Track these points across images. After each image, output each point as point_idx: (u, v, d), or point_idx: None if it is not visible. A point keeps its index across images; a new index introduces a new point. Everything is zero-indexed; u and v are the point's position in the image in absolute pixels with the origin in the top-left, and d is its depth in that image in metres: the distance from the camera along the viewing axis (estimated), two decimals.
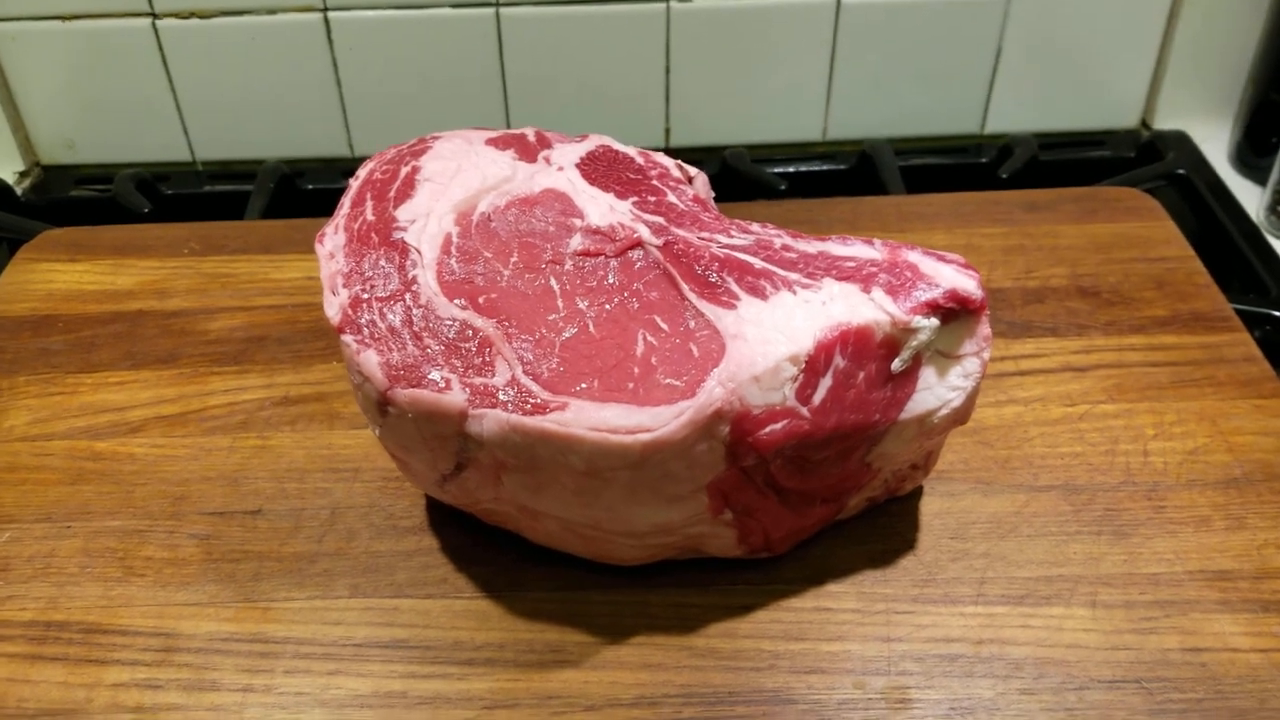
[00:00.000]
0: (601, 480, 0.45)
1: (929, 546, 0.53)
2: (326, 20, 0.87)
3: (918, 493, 0.55)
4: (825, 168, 0.88)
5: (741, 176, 0.85)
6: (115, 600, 0.52)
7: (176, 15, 0.86)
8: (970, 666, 0.48)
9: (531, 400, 0.44)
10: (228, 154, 0.93)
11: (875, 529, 0.54)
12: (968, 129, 0.93)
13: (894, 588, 0.51)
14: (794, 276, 0.47)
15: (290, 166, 0.89)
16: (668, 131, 0.92)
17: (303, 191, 0.88)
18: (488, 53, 0.88)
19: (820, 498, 0.50)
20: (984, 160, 0.88)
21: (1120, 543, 0.53)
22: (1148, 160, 0.87)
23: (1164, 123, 0.91)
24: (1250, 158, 0.88)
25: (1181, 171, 0.83)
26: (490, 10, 0.86)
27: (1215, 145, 0.89)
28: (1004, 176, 0.84)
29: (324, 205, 0.78)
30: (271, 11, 0.87)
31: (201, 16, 0.87)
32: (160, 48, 0.87)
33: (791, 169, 0.87)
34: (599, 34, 0.87)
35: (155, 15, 0.86)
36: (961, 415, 0.49)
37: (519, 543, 0.53)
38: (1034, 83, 0.91)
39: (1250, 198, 0.83)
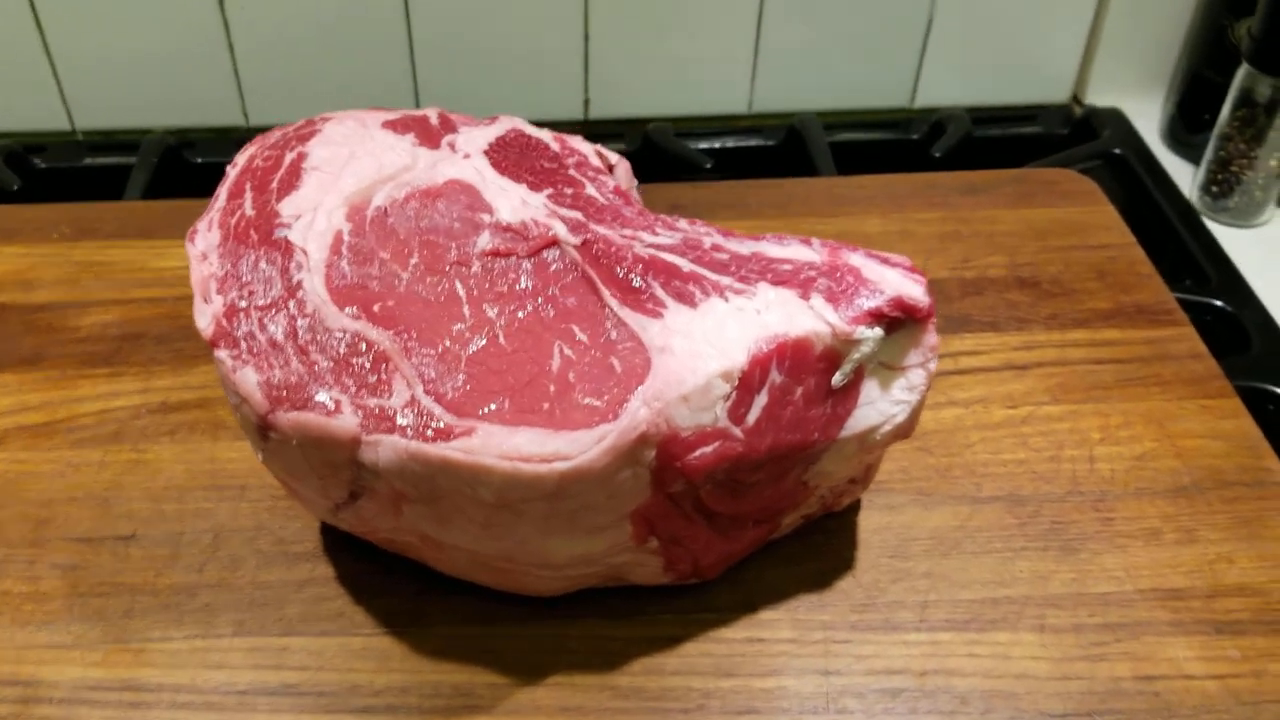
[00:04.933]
0: (514, 513, 0.40)
1: (868, 566, 0.49)
2: None
3: (855, 506, 0.51)
4: (752, 143, 0.83)
5: (664, 153, 0.81)
6: None
7: None
8: (914, 702, 0.45)
9: (433, 425, 0.39)
10: (111, 122, 0.86)
11: (811, 548, 0.50)
12: (898, 102, 0.89)
13: (831, 613, 0.48)
14: (725, 281, 0.42)
15: (179, 137, 0.83)
16: (587, 103, 0.87)
17: (191, 165, 0.81)
18: (394, 15, 0.82)
19: (753, 519, 0.46)
20: (915, 137, 0.84)
21: (1068, 559, 0.50)
22: (1082, 138, 0.84)
23: (1096, 98, 0.88)
24: (1183, 134, 0.85)
25: (1117, 151, 0.80)
26: None
27: (1147, 121, 0.86)
28: (937, 155, 0.80)
29: (213, 182, 0.72)
30: None
31: None
32: (33, 5, 0.80)
33: (717, 144, 0.83)
34: None
35: None
36: (904, 430, 0.45)
37: (424, 571, 0.48)
38: (965, 55, 0.87)
39: (1182, 175, 0.81)
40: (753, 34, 0.85)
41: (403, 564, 0.48)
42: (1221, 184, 0.79)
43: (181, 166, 0.81)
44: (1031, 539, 0.50)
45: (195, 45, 0.82)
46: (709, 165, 0.79)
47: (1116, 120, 0.83)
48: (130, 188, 0.75)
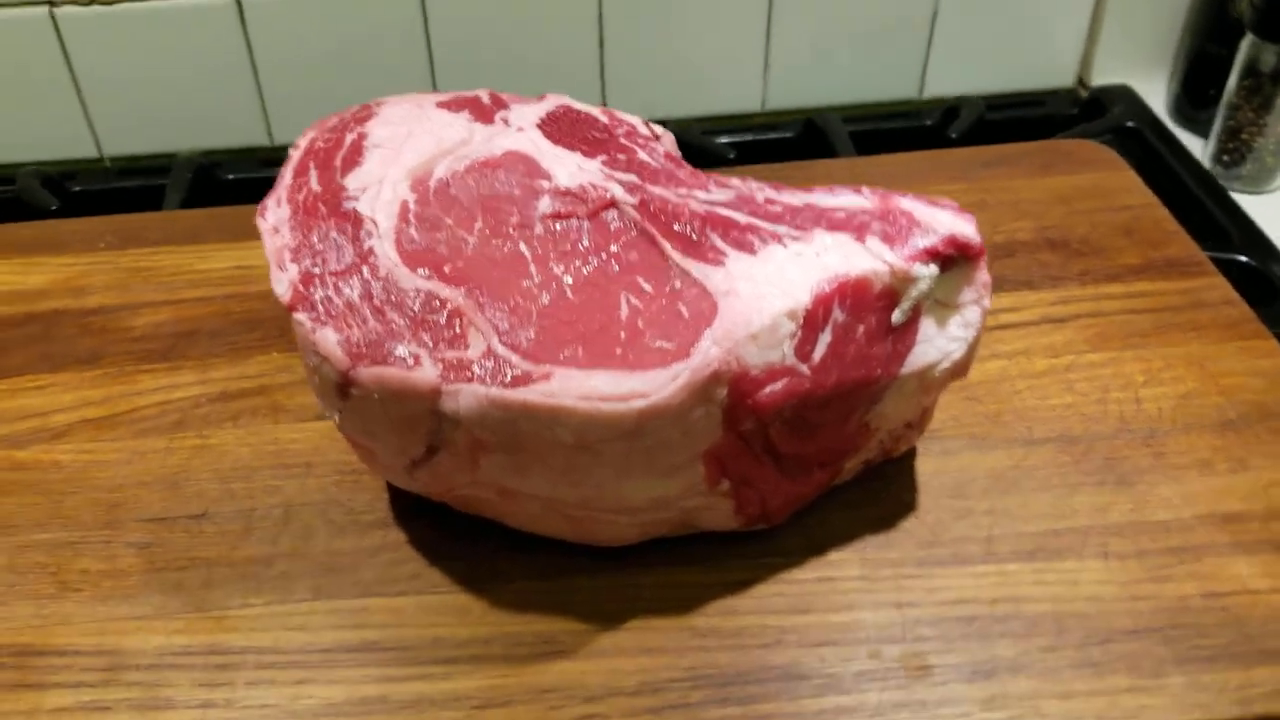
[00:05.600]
0: (592, 454, 0.41)
1: (930, 507, 0.50)
2: (239, 2, 0.82)
3: (911, 453, 0.52)
4: (771, 136, 0.85)
5: (688, 147, 0.82)
6: (50, 619, 0.47)
7: (76, 3, 0.81)
8: (987, 627, 0.46)
9: (511, 371, 0.40)
10: (137, 148, 0.87)
11: (872, 493, 0.51)
12: (906, 94, 0.91)
13: (899, 551, 0.49)
14: (782, 230, 0.44)
15: (206, 158, 0.84)
16: (604, 105, 0.88)
17: (223, 182, 0.82)
18: (412, 26, 0.83)
19: (818, 462, 0.47)
20: (929, 123, 0.86)
21: (1124, 491, 0.51)
22: (1092, 116, 0.85)
23: (1101, 80, 0.90)
24: (1189, 110, 0.87)
25: (1130, 124, 0.81)
26: None
27: (1154, 100, 0.88)
28: (953, 136, 0.82)
29: (247, 194, 0.73)
30: None
31: (103, 3, 0.81)
32: (60, 37, 0.81)
33: (737, 139, 0.84)
34: (530, 5, 0.83)
35: (53, 3, 0.80)
36: (962, 368, 0.47)
37: (496, 531, 0.49)
38: (971, 45, 0.89)
39: (1193, 149, 0.82)
40: (763, 33, 0.86)
41: (475, 525, 0.49)
42: (1233, 152, 0.81)
43: (212, 184, 0.82)
44: (1087, 474, 0.51)
45: (219, 68, 0.84)
46: (732, 156, 0.81)
47: (1126, 96, 0.85)
48: (167, 203, 0.77)
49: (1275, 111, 0.78)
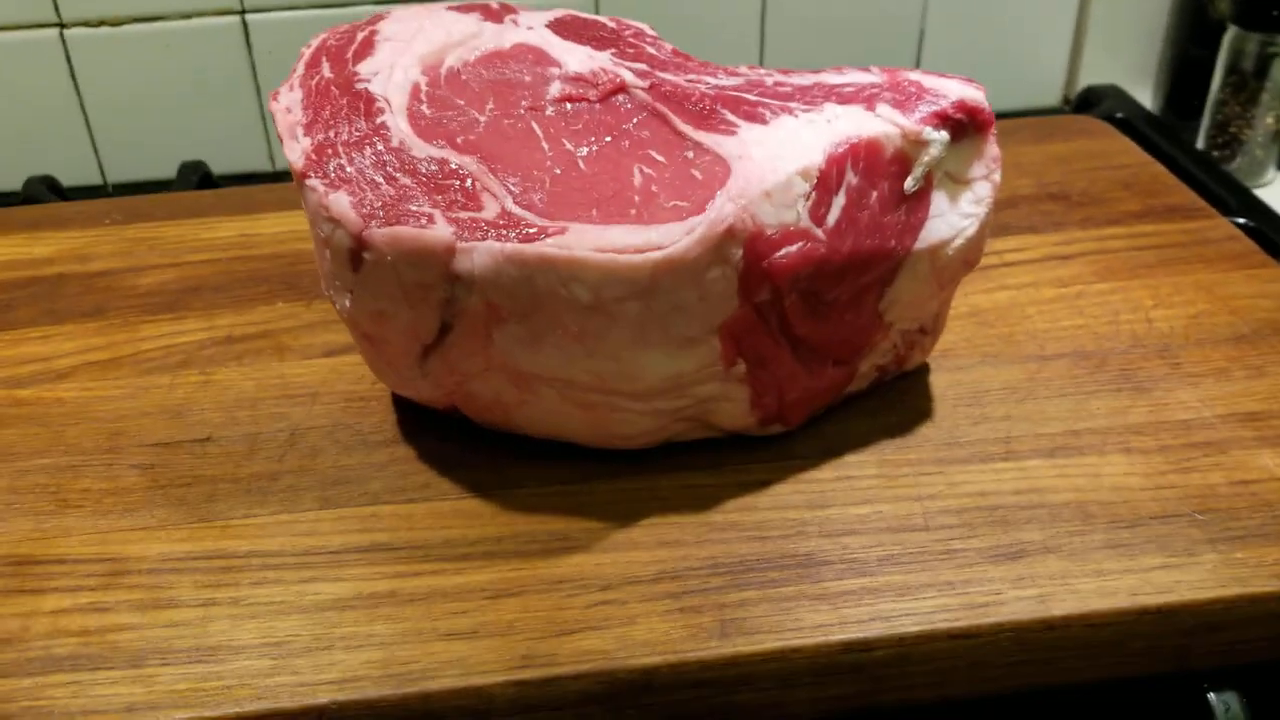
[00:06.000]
0: (608, 316, 0.40)
1: (946, 414, 0.50)
2: (244, 23, 0.83)
3: (924, 369, 0.52)
4: None
5: None
6: (49, 532, 0.46)
7: (85, 24, 0.82)
8: (1011, 515, 0.44)
9: (527, 227, 0.40)
10: (139, 173, 0.88)
11: (887, 402, 0.50)
12: None
13: (917, 453, 0.48)
14: (793, 105, 0.44)
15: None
16: None
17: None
18: None
19: (833, 356, 0.47)
20: None
21: (1142, 396, 0.50)
22: (1083, 111, 0.87)
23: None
24: (1175, 117, 0.89)
25: (1120, 115, 0.83)
26: (416, 5, 0.84)
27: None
28: None
29: None
30: (186, 16, 0.83)
31: (112, 24, 0.83)
32: (68, 58, 0.83)
33: None
34: None
35: (63, 25, 0.82)
36: (974, 252, 0.46)
37: (507, 443, 0.48)
38: (959, 64, 0.91)
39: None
40: (757, 46, 0.88)
41: (486, 438, 0.48)
42: (1223, 147, 0.82)
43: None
44: (1103, 383, 0.51)
45: (225, 92, 0.85)
46: None
47: (1114, 91, 0.87)
48: None
49: (1261, 105, 0.80)
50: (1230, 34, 0.79)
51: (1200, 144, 0.83)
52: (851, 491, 0.46)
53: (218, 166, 0.86)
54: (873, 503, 0.45)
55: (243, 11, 0.83)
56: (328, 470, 0.48)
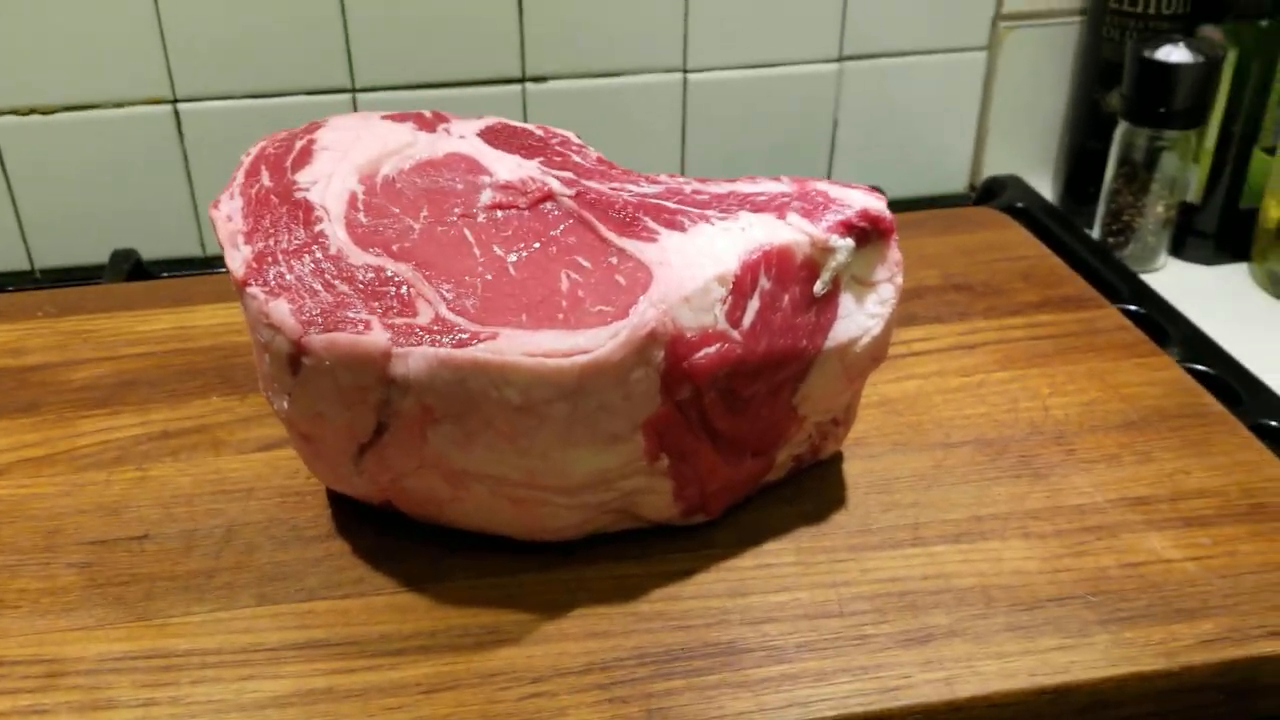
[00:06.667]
0: (537, 417, 0.43)
1: (859, 502, 0.52)
2: (176, 112, 0.85)
3: (838, 457, 0.55)
4: None
5: None
6: None
7: (15, 112, 0.83)
8: (920, 600, 0.47)
9: (460, 333, 0.42)
10: (68, 259, 0.88)
11: (803, 490, 0.53)
12: None
13: (832, 540, 0.50)
14: (710, 212, 0.47)
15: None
16: None
17: (156, 279, 0.84)
18: None
19: (751, 448, 0.49)
20: None
21: (1040, 483, 0.53)
22: (986, 201, 0.92)
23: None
24: (1073, 204, 0.94)
25: (1020, 205, 0.88)
26: (347, 96, 0.86)
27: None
28: None
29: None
30: (118, 104, 0.84)
31: (43, 112, 0.84)
32: None
33: None
34: (458, 113, 0.87)
35: None
36: (879, 349, 0.50)
37: (439, 536, 0.50)
38: (869, 155, 0.96)
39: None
40: (678, 144, 0.92)
41: (419, 531, 0.50)
42: (1117, 234, 0.87)
43: (146, 279, 0.83)
44: (1004, 470, 0.54)
45: (156, 180, 0.86)
46: None
47: (1015, 181, 0.92)
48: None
49: (1151, 195, 0.85)
50: (1121, 128, 0.84)
51: (1096, 231, 0.88)
52: (771, 579, 0.48)
53: (149, 252, 0.87)
54: (791, 590, 0.48)
55: (174, 101, 0.84)
56: (264, 566, 0.49)
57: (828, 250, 0.46)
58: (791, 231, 0.46)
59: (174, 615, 0.47)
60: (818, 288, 0.46)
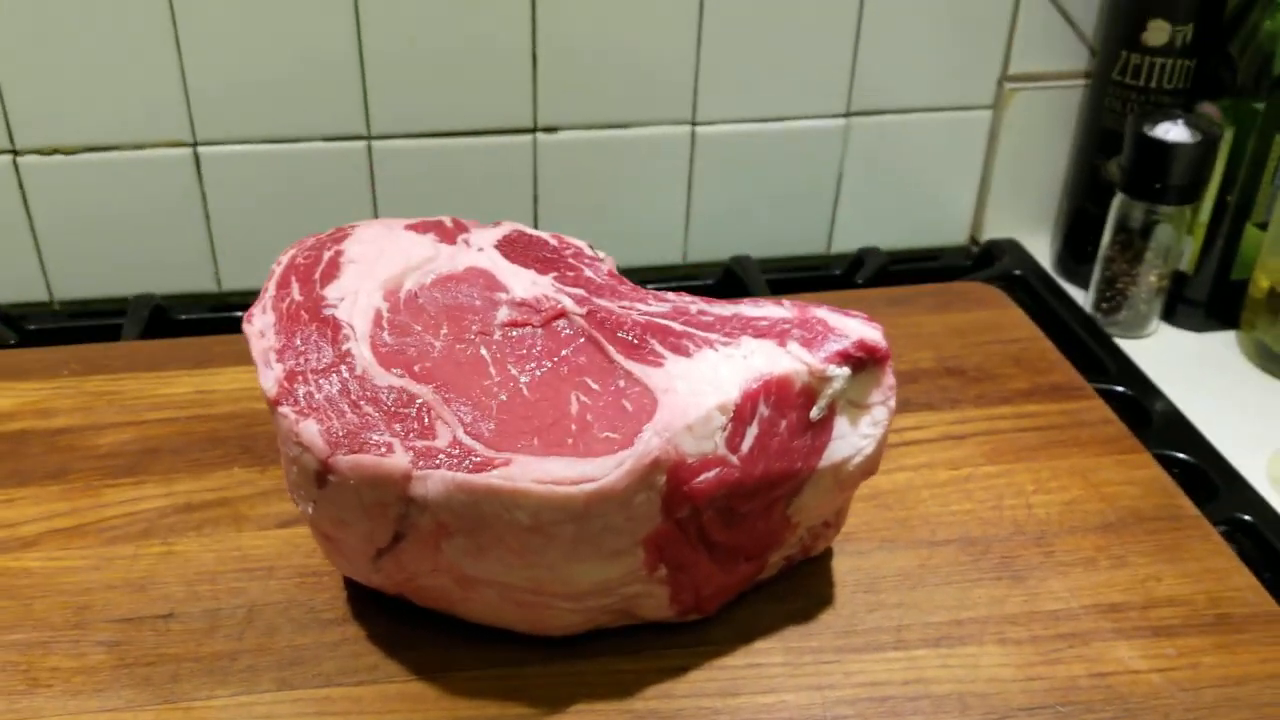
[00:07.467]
0: (545, 536, 0.46)
1: (846, 600, 0.55)
2: (196, 155, 0.87)
3: (829, 554, 0.58)
4: (694, 283, 0.92)
5: None
6: (22, 713, 0.49)
7: (39, 151, 0.86)
8: (899, 706, 0.50)
9: (475, 458, 0.45)
10: (87, 292, 0.91)
11: (794, 588, 0.56)
12: (815, 250, 0.99)
13: (819, 640, 0.53)
14: (714, 336, 0.50)
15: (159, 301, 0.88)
16: None
17: (175, 322, 0.86)
18: (360, 186, 0.90)
19: (745, 554, 0.52)
20: (838, 272, 0.94)
21: (1018, 585, 0.56)
22: (983, 266, 0.94)
23: (991, 236, 0.99)
24: (1071, 264, 0.96)
25: (1017, 272, 0.90)
26: (362, 144, 0.89)
27: (1039, 255, 0.97)
28: (860, 282, 0.90)
29: (200, 333, 0.77)
30: (139, 146, 0.87)
31: (66, 152, 0.86)
32: (20, 185, 0.86)
33: (662, 284, 0.91)
34: (469, 164, 0.90)
35: (16, 152, 0.85)
36: (872, 465, 0.52)
37: (449, 625, 0.53)
38: (872, 206, 0.98)
39: (1075, 299, 0.91)
40: (684, 194, 0.95)
41: (430, 619, 0.53)
42: (1110, 300, 0.89)
43: (165, 324, 0.86)
44: (985, 571, 0.57)
45: (174, 219, 0.89)
46: None
47: (1013, 248, 0.94)
48: (125, 338, 0.81)
49: (1145, 264, 0.87)
50: (1119, 199, 0.87)
51: (1090, 294, 0.90)
52: (760, 679, 0.51)
53: (167, 287, 0.90)
54: (778, 691, 0.51)
55: (194, 144, 0.87)
56: (284, 650, 0.52)
57: (825, 379, 0.49)
58: (791, 361, 0.49)
59: (199, 698, 0.50)
60: (814, 413, 0.49)
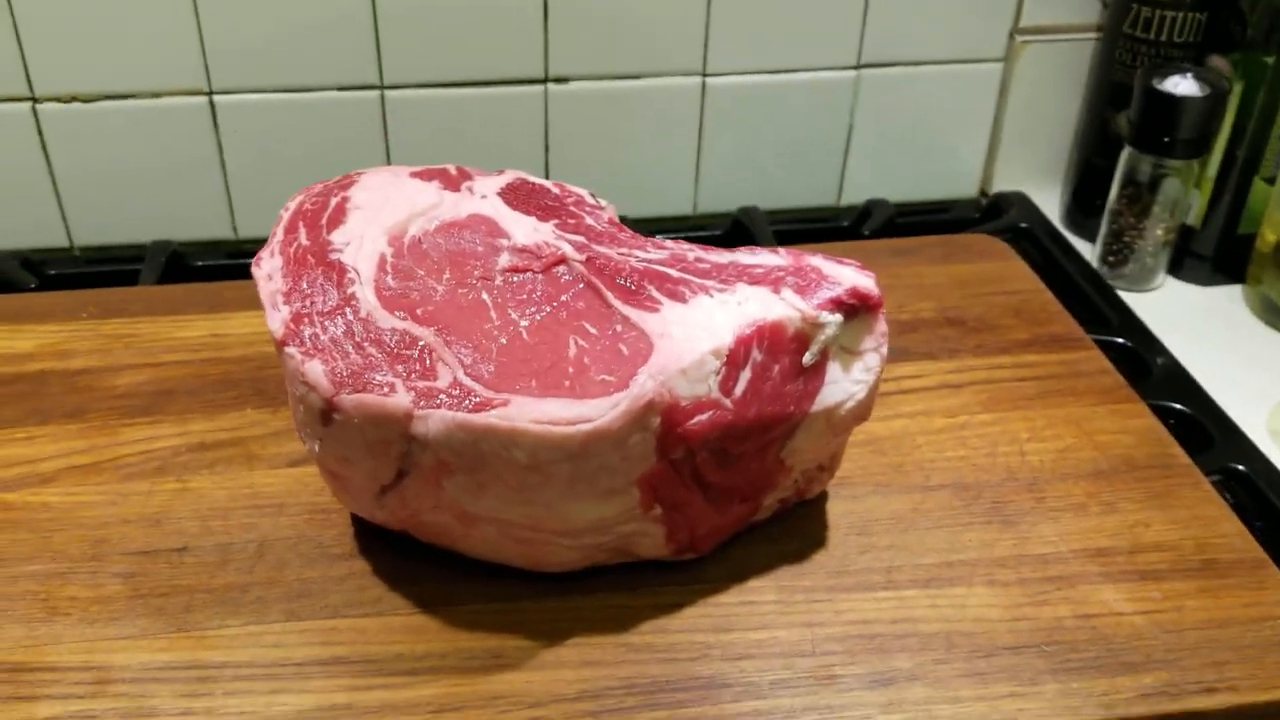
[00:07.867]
0: (543, 475, 0.47)
1: (838, 542, 0.57)
2: (212, 103, 0.88)
3: (823, 497, 0.59)
4: (702, 234, 0.93)
5: None
6: (41, 639, 0.51)
7: (58, 99, 0.87)
8: (887, 644, 0.52)
9: (474, 398, 0.46)
10: (106, 239, 0.93)
11: (788, 529, 0.57)
12: (825, 201, 1.00)
13: (811, 580, 0.55)
14: (710, 283, 0.51)
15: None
16: None
17: (192, 268, 0.88)
18: (373, 136, 0.91)
19: (739, 495, 0.53)
20: (845, 223, 0.94)
21: (1009, 530, 0.57)
22: (991, 219, 0.95)
23: (1000, 189, 1.00)
24: (1079, 217, 0.97)
25: (1023, 225, 0.91)
26: (375, 93, 0.89)
27: (1048, 208, 0.97)
28: (866, 234, 0.90)
29: (216, 279, 0.79)
30: (156, 95, 0.88)
31: (84, 100, 0.87)
32: (40, 132, 0.88)
33: (669, 234, 0.92)
34: (481, 114, 0.91)
35: (36, 100, 0.87)
36: (864, 410, 0.53)
37: (451, 560, 0.54)
38: (882, 157, 0.98)
39: (1082, 251, 0.92)
40: (694, 145, 0.95)
41: (432, 555, 0.54)
42: (1117, 254, 0.90)
43: (182, 270, 0.87)
44: (976, 516, 0.58)
45: (190, 167, 0.90)
46: None
47: (1021, 201, 0.95)
48: (143, 283, 0.82)
49: (1153, 217, 0.88)
50: (1127, 152, 0.87)
51: (1097, 248, 0.91)
52: (752, 616, 0.53)
53: (184, 233, 0.92)
54: (769, 628, 0.52)
55: (210, 93, 0.88)
56: (292, 583, 0.54)
57: (817, 325, 0.50)
58: (784, 307, 0.50)
59: (210, 628, 0.52)
60: (806, 359, 0.50)
